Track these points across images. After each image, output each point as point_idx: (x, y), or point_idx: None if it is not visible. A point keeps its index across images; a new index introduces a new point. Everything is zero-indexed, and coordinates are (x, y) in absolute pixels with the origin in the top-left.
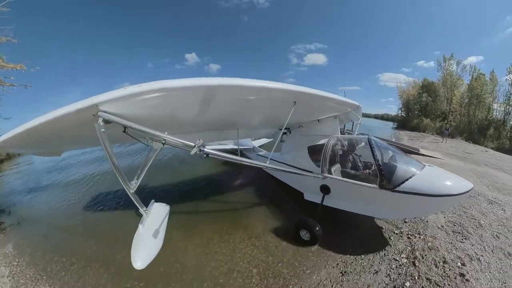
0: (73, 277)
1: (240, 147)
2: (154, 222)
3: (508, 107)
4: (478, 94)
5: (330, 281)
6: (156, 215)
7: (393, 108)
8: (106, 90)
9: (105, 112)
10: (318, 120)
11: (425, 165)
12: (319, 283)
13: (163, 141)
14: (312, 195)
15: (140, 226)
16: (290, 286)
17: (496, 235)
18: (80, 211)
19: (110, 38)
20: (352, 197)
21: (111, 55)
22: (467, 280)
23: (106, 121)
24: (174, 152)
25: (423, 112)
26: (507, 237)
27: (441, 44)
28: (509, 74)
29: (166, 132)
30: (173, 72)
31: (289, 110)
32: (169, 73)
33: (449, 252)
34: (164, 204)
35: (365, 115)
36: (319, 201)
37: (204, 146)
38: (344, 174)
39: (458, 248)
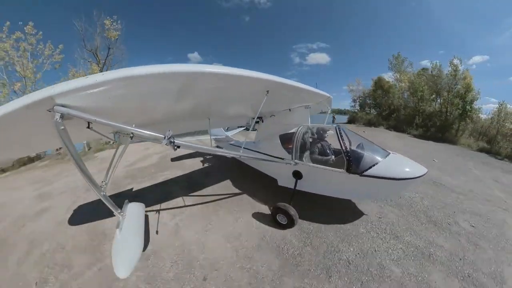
0: None
1: (212, 136)
2: (131, 225)
3: (446, 98)
4: (411, 87)
5: None
6: (133, 216)
7: None
8: None
9: (62, 106)
10: (290, 110)
11: (389, 153)
12: None
13: (131, 135)
14: (285, 181)
15: (117, 231)
16: None
17: None
18: None
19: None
20: (323, 181)
21: None
22: None
23: (66, 117)
24: None
25: (378, 106)
26: None
27: (445, 44)
28: (450, 65)
29: (133, 125)
30: None
31: (262, 99)
32: None
33: None
34: (139, 204)
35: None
36: (292, 186)
37: (174, 138)
38: (314, 160)
39: None
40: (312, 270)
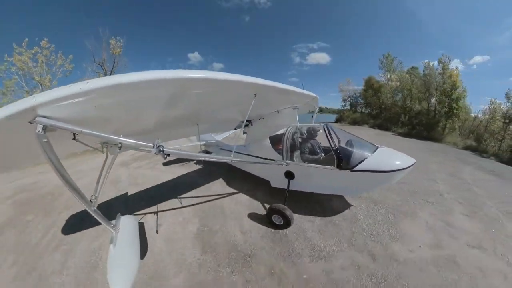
0: None
1: (201, 142)
2: (126, 239)
3: (434, 97)
4: (400, 85)
5: None
6: (126, 229)
7: None
8: None
9: (45, 117)
10: (278, 111)
11: (378, 147)
12: None
13: (119, 145)
14: (278, 182)
15: (111, 246)
16: None
17: None
18: None
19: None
20: (315, 179)
21: None
22: None
23: (49, 129)
24: None
25: (368, 106)
26: None
27: (445, 44)
28: (439, 64)
29: (121, 135)
30: None
31: (250, 102)
32: None
33: None
34: (132, 216)
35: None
36: (285, 187)
37: (163, 146)
38: (305, 159)
39: None
40: None
